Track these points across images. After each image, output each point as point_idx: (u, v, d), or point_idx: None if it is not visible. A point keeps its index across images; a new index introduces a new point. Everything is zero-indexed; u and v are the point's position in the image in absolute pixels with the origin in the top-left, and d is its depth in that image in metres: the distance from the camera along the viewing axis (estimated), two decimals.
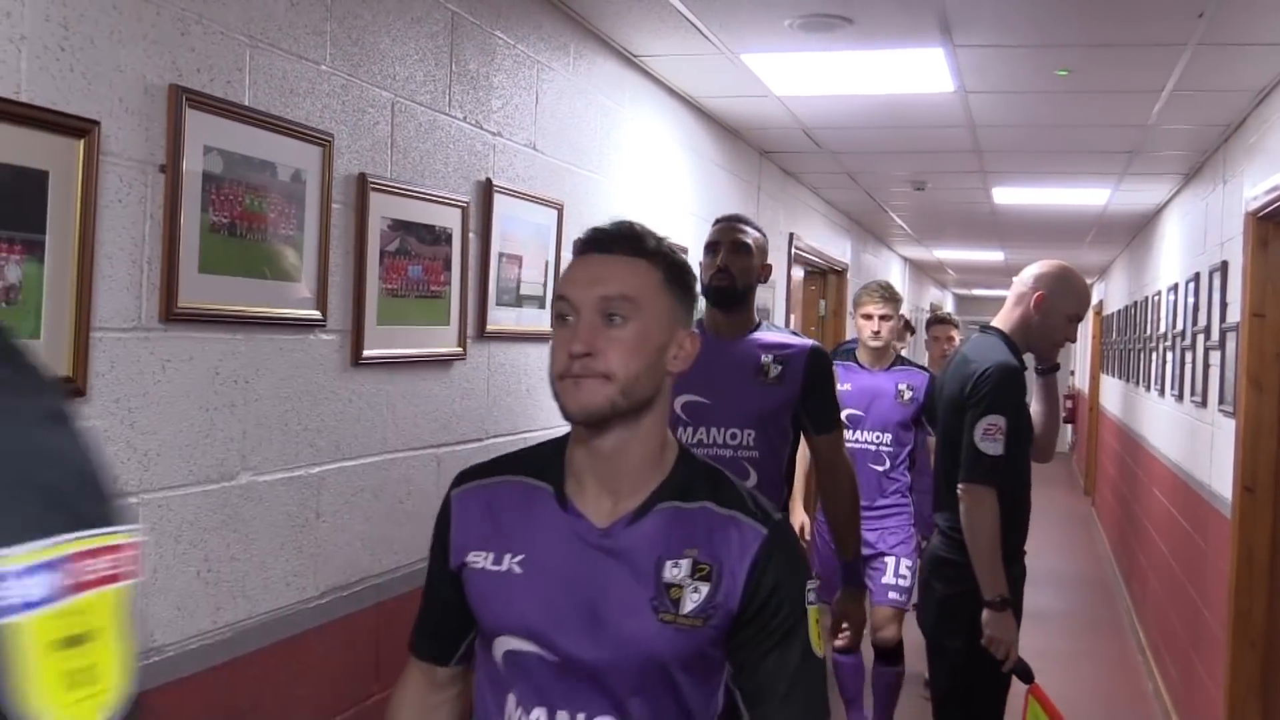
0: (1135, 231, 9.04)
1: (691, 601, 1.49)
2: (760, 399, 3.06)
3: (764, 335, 3.14)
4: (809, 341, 3.18)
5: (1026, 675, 3.25)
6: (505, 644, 1.54)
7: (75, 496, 0.74)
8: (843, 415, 4.43)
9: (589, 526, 1.53)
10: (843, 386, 4.41)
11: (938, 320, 6.38)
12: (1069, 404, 16.88)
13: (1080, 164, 6.20)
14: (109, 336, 1.95)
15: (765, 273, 3.18)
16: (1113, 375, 10.94)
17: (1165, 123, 4.88)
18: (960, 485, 3.20)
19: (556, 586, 1.51)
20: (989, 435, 3.15)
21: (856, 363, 4.90)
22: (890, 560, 4.83)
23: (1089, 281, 15.10)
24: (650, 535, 1.52)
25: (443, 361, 3.03)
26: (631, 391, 1.48)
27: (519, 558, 1.54)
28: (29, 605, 0.69)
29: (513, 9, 3.30)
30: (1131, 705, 6.10)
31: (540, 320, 3.52)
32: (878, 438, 4.82)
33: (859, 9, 3.51)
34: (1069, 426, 18.02)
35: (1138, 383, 8.31)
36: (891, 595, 4.81)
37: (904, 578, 4.82)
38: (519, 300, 3.40)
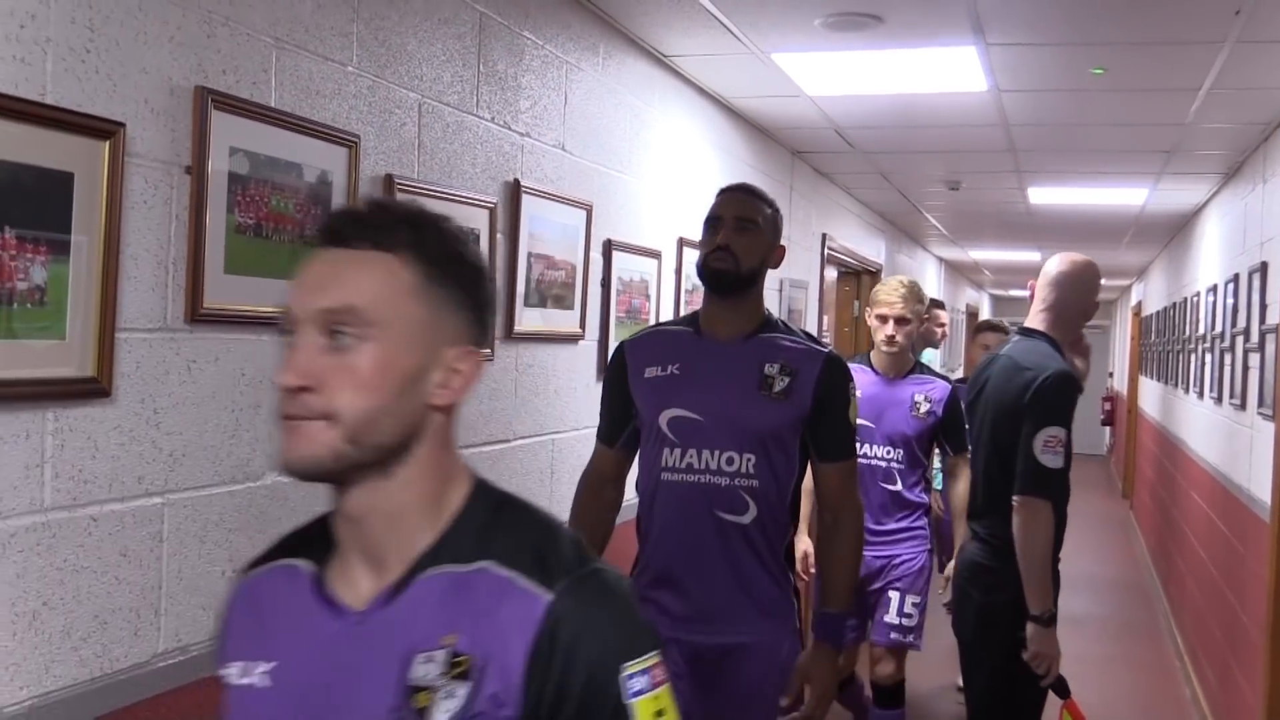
0: (1174, 232, 8.94)
1: (444, 712, 1.09)
2: (763, 416, 2.55)
3: (770, 337, 2.64)
4: (824, 348, 2.66)
5: (1062, 690, 3.21)
6: None
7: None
8: (860, 424, 3.96)
9: (342, 613, 1.17)
10: None
11: (990, 328, 6.06)
12: (1107, 406, 16.72)
13: (1117, 163, 6.13)
14: (134, 337, 1.96)
15: (777, 256, 2.69)
16: (1151, 377, 10.82)
17: (1203, 121, 4.82)
18: (1016, 497, 3.12)
19: (298, 702, 1.16)
20: (1049, 448, 3.07)
21: (871, 366, 4.32)
22: (895, 596, 4.24)
23: (1127, 282, 14.96)
24: (407, 617, 1.13)
25: None
26: (365, 437, 1.12)
27: (268, 667, 1.19)
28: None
29: (541, 9, 3.30)
30: (1169, 711, 6.03)
31: (569, 321, 3.52)
32: (889, 453, 4.24)
33: (889, 7, 3.48)
34: (1107, 429, 17.85)
35: (1176, 385, 8.22)
36: (893, 635, 4.27)
37: (909, 616, 4.25)
38: (547, 301, 3.39)
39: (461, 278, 1.18)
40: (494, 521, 1.19)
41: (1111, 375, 17.85)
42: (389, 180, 2.61)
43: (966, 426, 3.86)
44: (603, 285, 3.78)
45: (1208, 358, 6.43)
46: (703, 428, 2.57)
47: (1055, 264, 3.36)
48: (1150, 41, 3.74)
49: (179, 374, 2.07)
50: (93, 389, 1.87)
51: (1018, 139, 5.45)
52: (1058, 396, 3.10)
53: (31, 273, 1.75)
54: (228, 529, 2.20)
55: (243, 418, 2.23)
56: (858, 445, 4.07)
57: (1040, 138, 5.45)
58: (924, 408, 4.23)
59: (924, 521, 4.37)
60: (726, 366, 2.60)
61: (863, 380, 4.08)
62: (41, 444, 1.80)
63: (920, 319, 4.30)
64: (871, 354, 4.37)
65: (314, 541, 1.25)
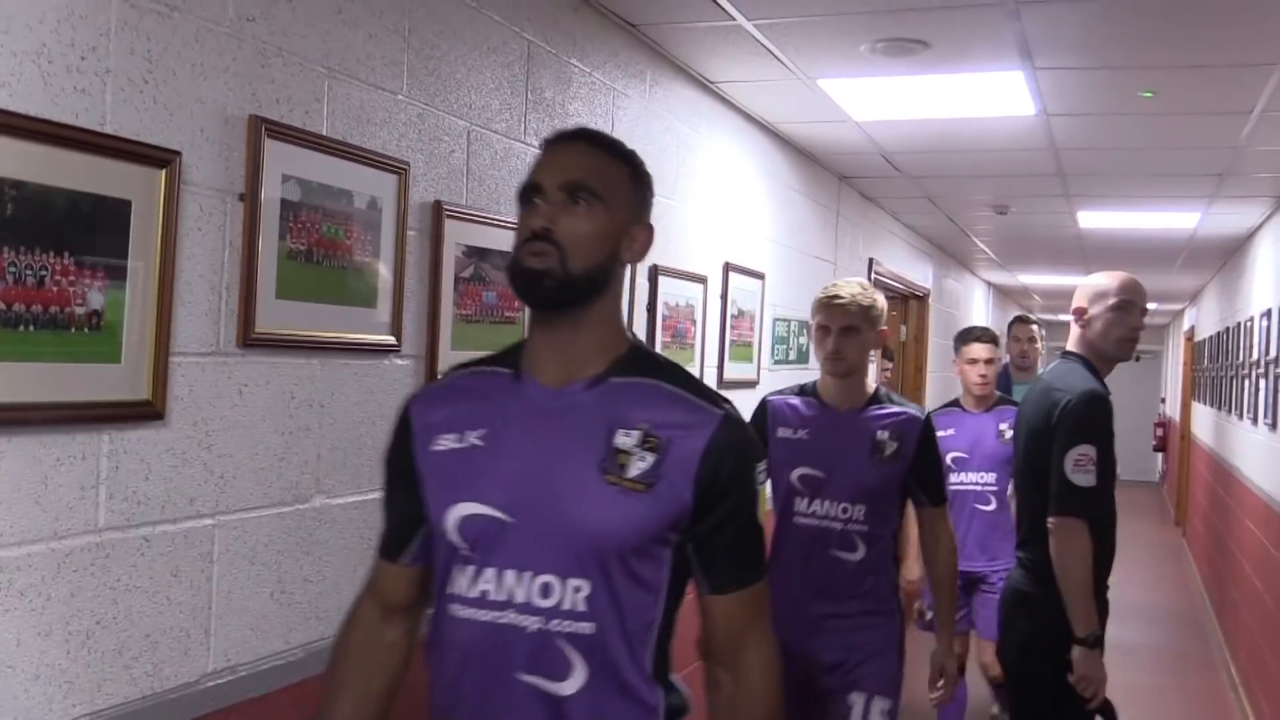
0: (1227, 255, 8.83)
1: None
2: (608, 519, 1.57)
3: (631, 384, 1.66)
4: (718, 406, 1.65)
5: (1109, 715, 3.17)
6: None
7: None
8: (808, 473, 3.12)
9: None
10: (796, 434, 3.19)
11: (1018, 320, 6.04)
12: (1159, 432, 16.52)
13: (1168, 187, 6.07)
14: (188, 361, 2.00)
15: (639, 243, 1.72)
16: (1204, 403, 10.68)
17: (1256, 144, 4.76)
18: (1051, 519, 3.11)
19: None
20: (1080, 466, 3.06)
21: (818, 399, 3.23)
22: (858, 702, 3.08)
23: (1179, 307, 14.78)
24: None
25: None
26: None
27: None
28: None
29: (589, 38, 3.33)
30: None
31: None
32: (846, 511, 3.11)
33: (936, 33, 3.48)
34: (1159, 455, 17.61)
35: (1230, 411, 8.10)
36: None
37: None
38: None
39: None
40: None
41: (1164, 401, 17.62)
42: (437, 207, 2.64)
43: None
44: (648, 310, 3.80)
45: (1262, 383, 6.34)
46: (509, 535, 1.60)
47: (1080, 285, 3.38)
48: (1201, 64, 3.71)
49: (230, 397, 2.10)
50: (147, 412, 1.91)
51: (1066, 163, 5.42)
52: (1085, 415, 3.10)
53: (89, 297, 1.79)
54: (276, 550, 2.23)
55: (292, 440, 2.26)
56: (806, 501, 3.11)
57: (1090, 161, 5.41)
58: (889, 449, 3.13)
59: (895, 600, 3.24)
60: (558, 431, 1.63)
61: (808, 416, 3.21)
62: (97, 466, 1.84)
63: (875, 326, 3.16)
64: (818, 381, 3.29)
65: None
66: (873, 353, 3.30)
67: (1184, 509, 12.88)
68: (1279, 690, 5.23)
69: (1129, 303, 3.26)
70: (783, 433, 3.20)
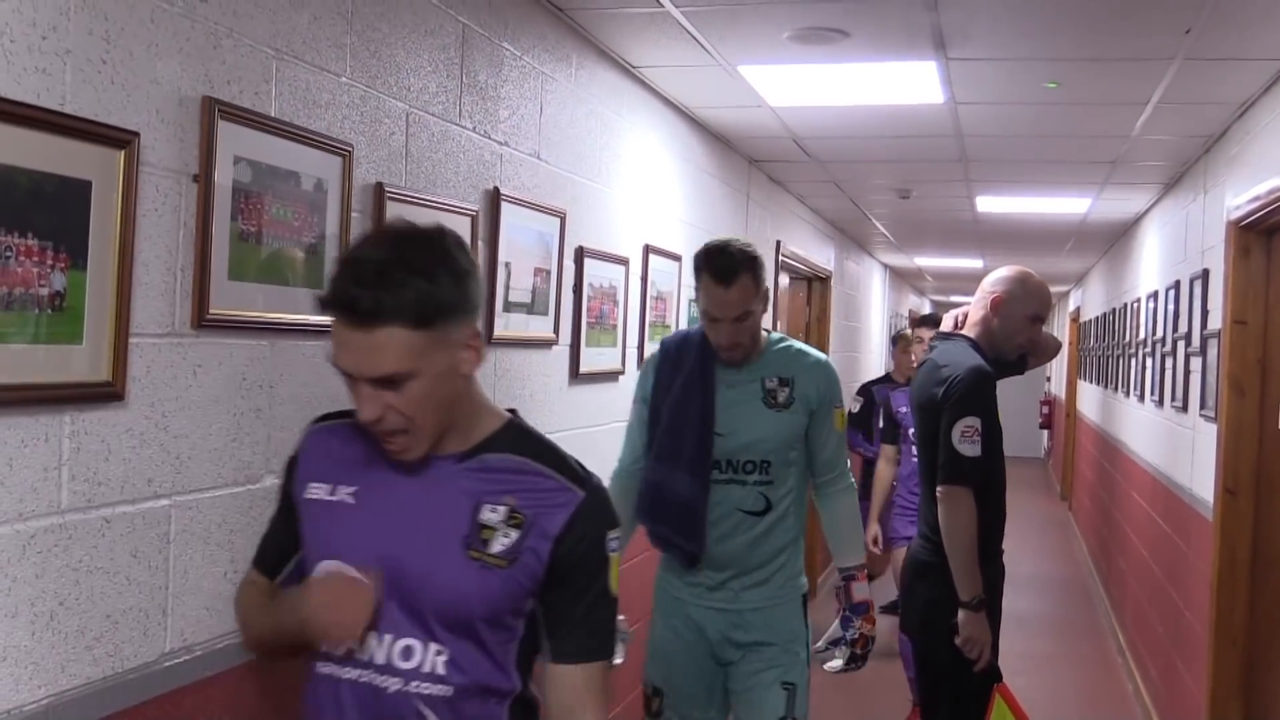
0: (1114, 239, 9.17)
1: None
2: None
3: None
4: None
5: (995, 674, 3.34)
6: None
7: None
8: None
9: None
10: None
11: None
12: (1045, 410, 17.07)
13: (1063, 174, 6.31)
14: (145, 342, 2.00)
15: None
16: (1090, 381, 11.08)
17: (1148, 134, 4.99)
18: (939, 488, 3.29)
19: None
20: (966, 437, 3.25)
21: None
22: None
23: (1065, 289, 15.27)
24: None
25: None
26: None
27: None
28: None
29: (519, 21, 3.36)
30: (1112, 705, 6.21)
31: (544, 327, 3.58)
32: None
33: (855, 23, 3.59)
34: (1045, 433, 18.20)
35: (1116, 388, 8.43)
36: None
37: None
38: (522, 307, 3.45)
39: None
40: None
41: (1049, 379, 18.20)
42: (379, 188, 2.66)
43: None
44: (575, 292, 3.85)
45: (1149, 362, 6.62)
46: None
47: (992, 273, 3.64)
48: (1103, 57, 3.88)
49: (185, 378, 2.11)
50: (107, 393, 1.91)
51: (970, 149, 5.60)
52: (970, 389, 3.28)
53: (52, 279, 1.79)
54: (229, 530, 2.24)
55: (244, 421, 2.27)
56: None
57: (992, 148, 5.60)
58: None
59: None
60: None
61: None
62: (59, 447, 1.84)
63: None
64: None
65: None
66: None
67: (1069, 484, 13.36)
68: (1165, 653, 5.50)
69: (1041, 319, 3.49)
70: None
